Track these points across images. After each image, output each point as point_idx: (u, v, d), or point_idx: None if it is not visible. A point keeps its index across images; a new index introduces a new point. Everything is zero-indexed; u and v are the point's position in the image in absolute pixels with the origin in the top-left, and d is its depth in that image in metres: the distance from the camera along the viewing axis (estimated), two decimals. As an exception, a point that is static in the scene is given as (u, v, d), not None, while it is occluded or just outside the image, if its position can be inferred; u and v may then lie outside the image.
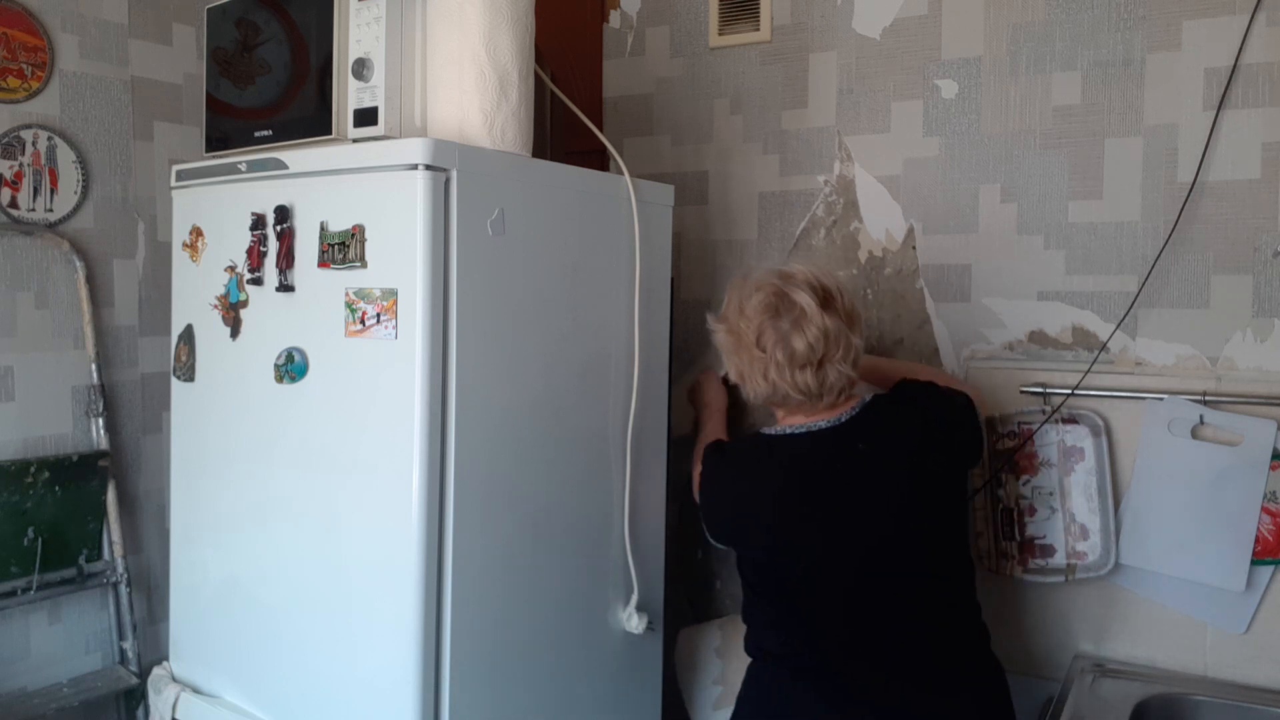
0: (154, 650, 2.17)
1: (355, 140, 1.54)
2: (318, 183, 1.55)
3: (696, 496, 1.71)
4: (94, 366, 2.08)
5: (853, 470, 1.53)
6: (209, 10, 1.76)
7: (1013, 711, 1.57)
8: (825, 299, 1.52)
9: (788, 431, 1.58)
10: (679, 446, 2.07)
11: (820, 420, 1.56)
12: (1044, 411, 1.86)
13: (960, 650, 1.55)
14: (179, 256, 1.82)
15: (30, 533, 1.96)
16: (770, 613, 1.60)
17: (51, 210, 2.03)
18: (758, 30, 2.21)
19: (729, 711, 1.81)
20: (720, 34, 2.26)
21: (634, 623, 1.78)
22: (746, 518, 1.59)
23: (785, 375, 1.50)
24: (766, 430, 1.62)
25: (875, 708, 1.48)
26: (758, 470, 1.59)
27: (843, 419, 1.56)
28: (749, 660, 1.65)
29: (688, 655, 2.14)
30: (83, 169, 2.07)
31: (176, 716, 1.79)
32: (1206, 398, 1.73)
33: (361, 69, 1.52)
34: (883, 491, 1.53)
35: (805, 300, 1.50)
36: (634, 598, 1.78)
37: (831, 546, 1.52)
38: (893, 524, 1.52)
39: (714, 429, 1.90)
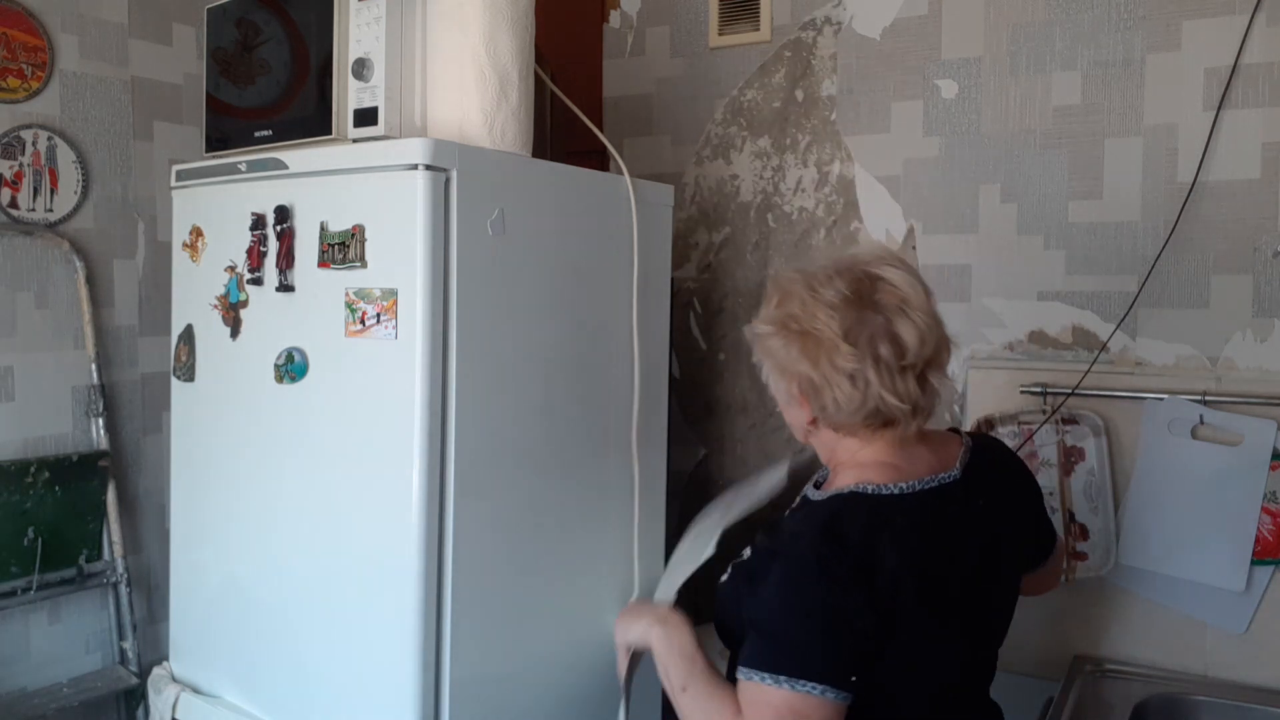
0: (154, 650, 2.17)
1: (355, 140, 1.54)
2: (318, 183, 1.55)
3: (772, 631, 1.12)
4: (94, 366, 2.08)
5: (977, 540, 1.22)
6: (209, 10, 1.76)
7: None
8: (923, 283, 1.19)
9: (919, 487, 1.18)
10: (681, 445, 2.07)
11: (941, 472, 1.21)
12: (1044, 411, 1.86)
13: None
14: (179, 256, 1.82)
15: (30, 533, 1.96)
16: None
17: (51, 210, 2.03)
18: (758, 30, 2.21)
19: None
20: (720, 34, 2.26)
21: None
22: (888, 613, 1.11)
23: (885, 380, 1.14)
24: (880, 489, 1.17)
25: None
26: (896, 544, 1.13)
27: (961, 470, 1.23)
28: None
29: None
30: (83, 169, 2.07)
31: (176, 716, 1.79)
32: (1206, 398, 1.73)
33: (361, 69, 1.52)
34: (997, 569, 1.26)
35: (903, 282, 1.17)
36: (633, 599, 1.78)
37: (957, 633, 1.21)
38: (999, 608, 1.29)
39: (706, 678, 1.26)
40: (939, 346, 1.18)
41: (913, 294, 1.17)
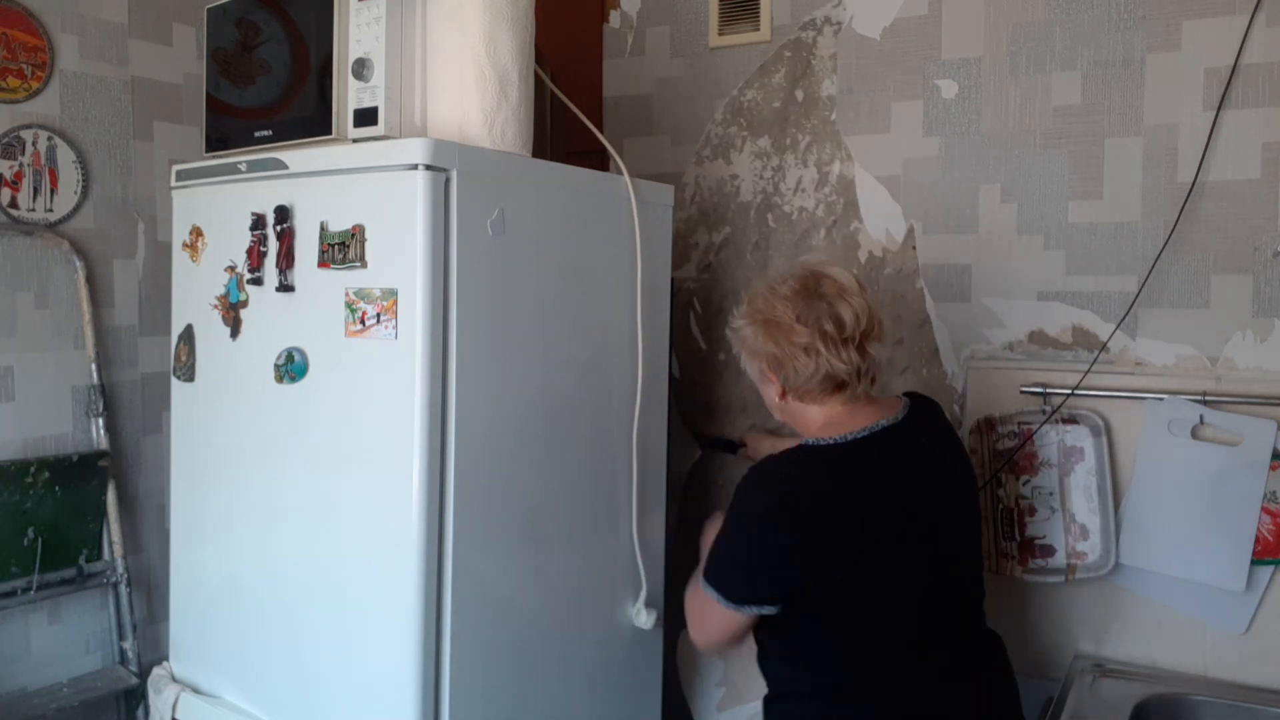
0: (154, 650, 2.17)
1: (355, 140, 1.54)
2: (318, 183, 1.55)
3: (716, 558, 1.48)
4: (94, 366, 2.08)
5: (922, 474, 1.47)
6: (209, 10, 1.76)
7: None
8: (857, 280, 1.51)
9: (852, 437, 1.44)
10: (681, 445, 2.07)
11: (881, 419, 1.47)
12: (1044, 411, 1.86)
13: (996, 659, 1.56)
14: (179, 256, 1.82)
15: (30, 533, 1.96)
16: (831, 643, 1.44)
17: (51, 210, 2.03)
18: (758, 30, 2.21)
19: (733, 713, 1.82)
20: (720, 34, 2.26)
21: (643, 618, 1.79)
22: (821, 542, 1.39)
23: (832, 349, 1.43)
24: (820, 441, 1.45)
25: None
26: (833, 485, 1.42)
27: (900, 417, 1.49)
28: (789, 704, 1.51)
29: (689, 658, 2.14)
30: (83, 169, 2.07)
31: (176, 716, 1.79)
32: (1206, 398, 1.73)
33: (361, 69, 1.52)
34: (946, 494, 1.50)
35: (842, 276, 1.49)
36: (643, 594, 1.79)
37: (909, 559, 1.43)
38: (955, 533, 1.50)
39: None
40: (872, 324, 1.48)
41: (849, 285, 1.48)
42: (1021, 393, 1.88)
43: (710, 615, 1.48)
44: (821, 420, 1.49)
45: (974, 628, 1.55)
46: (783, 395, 1.51)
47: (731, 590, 1.44)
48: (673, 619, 2.08)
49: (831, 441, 1.45)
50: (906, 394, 1.60)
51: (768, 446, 1.94)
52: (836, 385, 1.47)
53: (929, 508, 1.46)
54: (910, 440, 1.48)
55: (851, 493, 1.41)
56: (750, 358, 1.54)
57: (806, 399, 1.50)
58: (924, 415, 1.54)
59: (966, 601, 1.53)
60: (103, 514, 2.09)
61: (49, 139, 2.01)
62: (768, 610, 1.43)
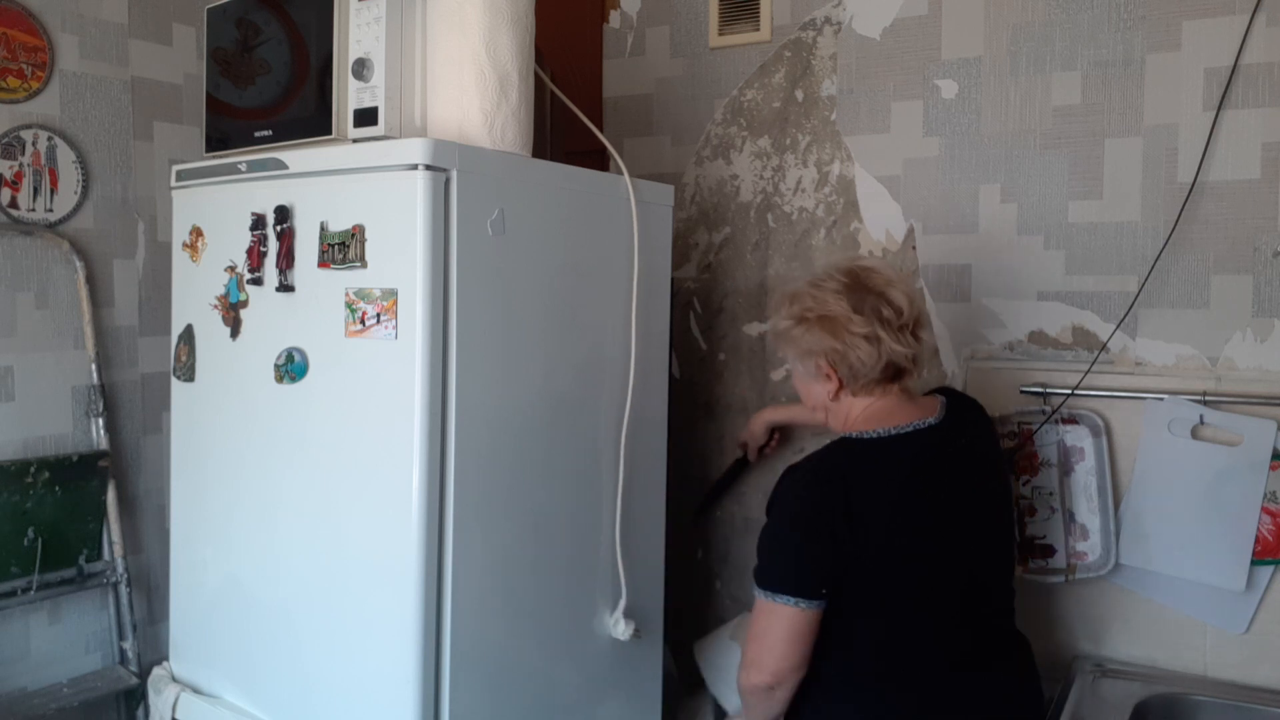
0: (154, 650, 2.16)
1: (355, 140, 1.54)
2: (318, 183, 1.55)
3: (769, 564, 1.46)
4: (94, 366, 2.08)
5: (959, 473, 1.51)
6: (209, 10, 1.76)
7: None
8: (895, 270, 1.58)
9: (895, 432, 1.47)
10: (680, 445, 2.06)
11: (924, 418, 1.50)
12: (1044, 411, 1.86)
13: (1023, 651, 1.61)
14: (179, 256, 1.82)
15: (30, 533, 1.96)
16: (858, 633, 1.46)
17: (51, 210, 2.03)
18: (758, 30, 2.21)
19: None
20: (720, 34, 2.26)
21: (620, 629, 1.74)
22: (862, 535, 1.40)
23: (892, 335, 1.46)
24: (863, 434, 1.48)
25: (969, 709, 1.48)
26: (875, 479, 1.45)
27: (940, 418, 1.52)
28: (815, 690, 1.49)
29: (715, 659, 2.10)
30: (83, 169, 2.07)
31: (176, 716, 1.79)
32: (1206, 398, 1.73)
33: (361, 69, 1.52)
34: (982, 494, 1.55)
35: (885, 268, 1.54)
36: (621, 603, 1.75)
37: (938, 557, 1.46)
38: (990, 526, 1.55)
39: None
40: (921, 311, 1.54)
41: (894, 275, 1.53)
42: (1021, 393, 1.88)
43: (774, 626, 1.42)
44: (861, 414, 1.51)
45: (999, 627, 1.58)
46: (838, 392, 1.52)
47: (795, 587, 1.41)
48: (673, 619, 2.08)
49: (874, 435, 1.48)
50: (942, 390, 1.63)
51: (760, 425, 2.02)
52: (895, 373, 1.50)
53: (961, 509, 1.48)
54: (948, 442, 1.50)
55: (894, 486, 1.44)
56: (803, 357, 1.53)
57: (862, 392, 1.51)
58: (961, 418, 1.57)
59: (991, 603, 1.56)
60: (103, 514, 2.09)
61: (49, 139, 2.01)
62: (814, 605, 1.41)
